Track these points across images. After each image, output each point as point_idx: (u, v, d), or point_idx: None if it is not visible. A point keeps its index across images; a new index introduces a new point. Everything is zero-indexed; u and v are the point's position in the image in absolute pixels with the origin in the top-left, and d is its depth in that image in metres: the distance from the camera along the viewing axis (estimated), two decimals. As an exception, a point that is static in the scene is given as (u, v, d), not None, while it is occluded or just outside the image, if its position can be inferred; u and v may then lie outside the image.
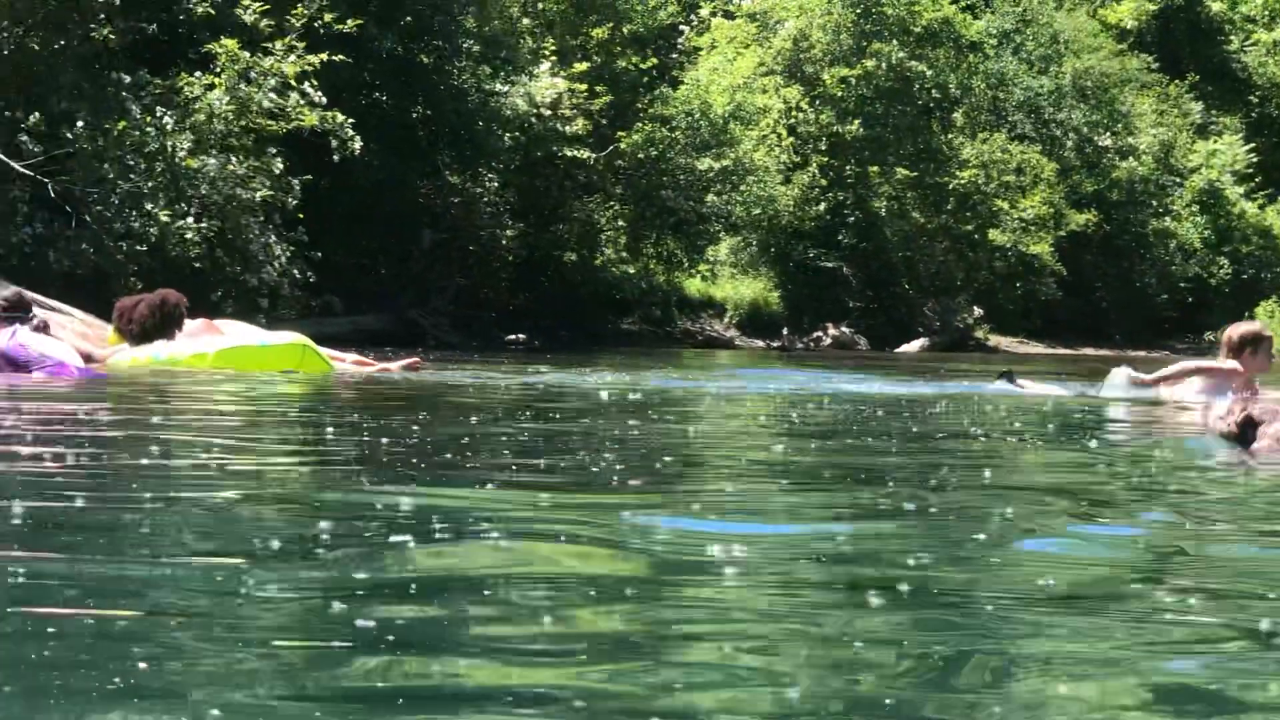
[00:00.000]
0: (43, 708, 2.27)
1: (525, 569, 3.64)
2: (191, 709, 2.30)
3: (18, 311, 11.61)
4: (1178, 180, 53.61)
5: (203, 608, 3.08)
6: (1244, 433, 7.06)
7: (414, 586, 3.35)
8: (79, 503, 4.46)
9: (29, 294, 12.84)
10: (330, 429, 7.91)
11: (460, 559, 3.72)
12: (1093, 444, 8.34)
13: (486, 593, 3.35)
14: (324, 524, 4.21)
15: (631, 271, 35.20)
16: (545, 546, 3.93)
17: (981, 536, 4.37)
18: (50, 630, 2.79)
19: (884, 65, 44.13)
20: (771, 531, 4.46)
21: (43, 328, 11.67)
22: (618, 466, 6.05)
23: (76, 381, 10.85)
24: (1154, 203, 52.63)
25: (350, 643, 2.77)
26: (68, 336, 12.82)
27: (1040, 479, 6.50)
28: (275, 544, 3.86)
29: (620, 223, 34.82)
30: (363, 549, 3.66)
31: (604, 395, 11.54)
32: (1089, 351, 44.20)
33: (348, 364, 13.62)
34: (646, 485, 5.51)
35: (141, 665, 2.51)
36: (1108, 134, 51.96)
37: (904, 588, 3.49)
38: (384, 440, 7.00)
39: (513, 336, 29.62)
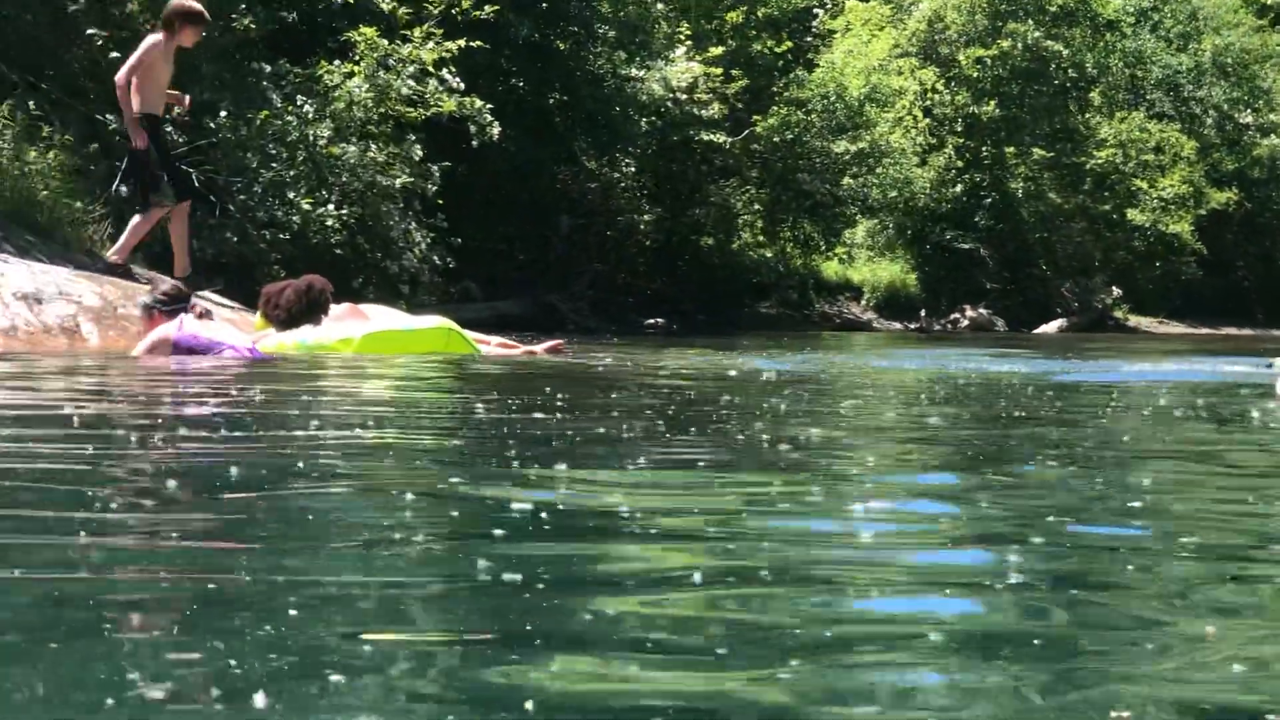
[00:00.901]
0: (196, 674, 2.28)
1: (672, 539, 3.62)
2: (332, 680, 2.30)
3: (178, 303, 11.74)
4: (1321, 157, 52.94)
5: (352, 583, 3.08)
6: None
7: (563, 555, 3.33)
8: (245, 478, 4.50)
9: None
10: (480, 407, 7.94)
11: (609, 531, 3.71)
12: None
13: (637, 558, 3.33)
14: (475, 496, 4.22)
15: (768, 255, 35.28)
16: (694, 519, 3.91)
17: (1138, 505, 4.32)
18: (211, 601, 2.81)
19: (1020, 45, 43.85)
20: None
21: (206, 315, 11.79)
22: (769, 443, 6.02)
23: (251, 362, 10.97)
24: (1296, 180, 51.98)
25: (492, 616, 2.76)
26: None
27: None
28: (430, 515, 3.89)
29: (757, 206, 34.86)
30: (511, 519, 3.66)
31: (737, 375, 11.52)
32: (1231, 331, 43.68)
33: (492, 347, 13.67)
34: (800, 462, 5.48)
35: (287, 629, 2.52)
36: (1249, 111, 51.32)
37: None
38: (537, 415, 7.02)
39: (651, 321, 29.71)
